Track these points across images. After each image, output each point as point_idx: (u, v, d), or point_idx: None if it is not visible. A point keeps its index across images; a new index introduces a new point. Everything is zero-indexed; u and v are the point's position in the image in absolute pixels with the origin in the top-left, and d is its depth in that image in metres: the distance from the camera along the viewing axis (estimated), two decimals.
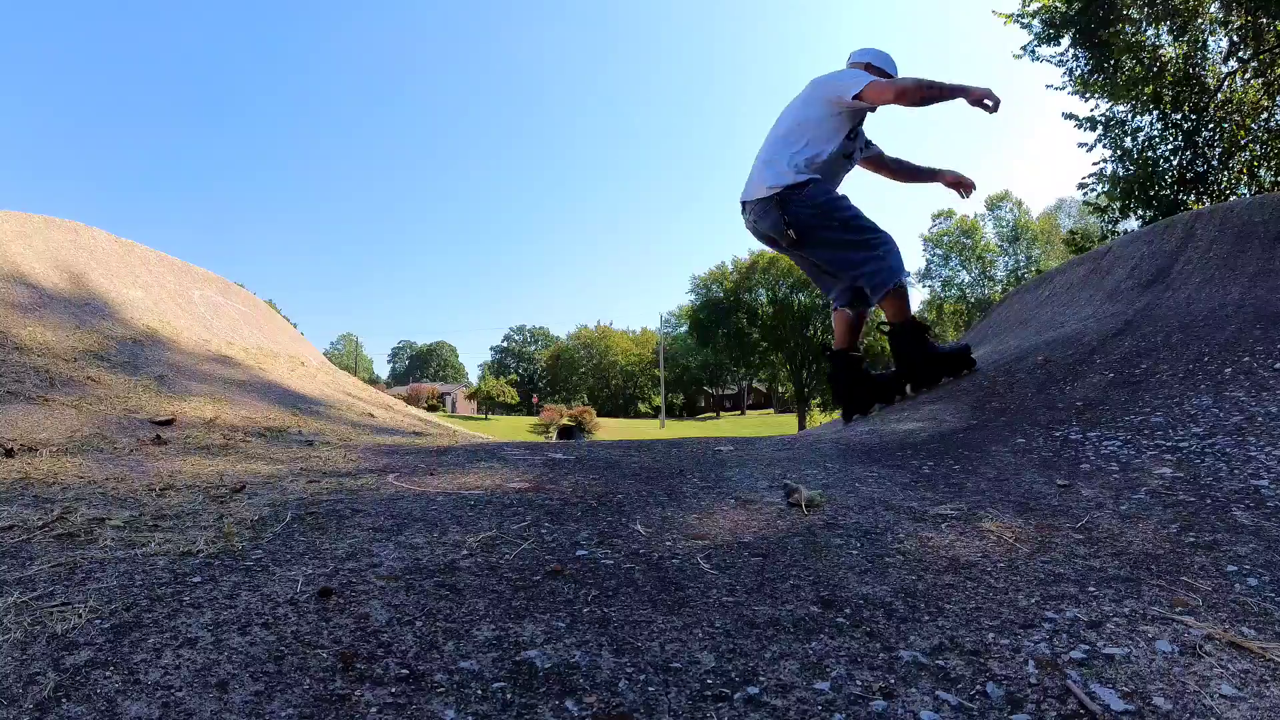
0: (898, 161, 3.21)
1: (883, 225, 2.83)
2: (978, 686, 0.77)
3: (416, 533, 1.17)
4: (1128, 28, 8.34)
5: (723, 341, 37.50)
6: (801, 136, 2.81)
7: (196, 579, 0.92)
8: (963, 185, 3.16)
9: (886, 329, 2.98)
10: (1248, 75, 8.41)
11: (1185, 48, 8.50)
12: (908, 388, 3.05)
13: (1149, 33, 8.54)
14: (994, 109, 2.72)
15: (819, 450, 2.08)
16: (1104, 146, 9.33)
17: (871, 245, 2.77)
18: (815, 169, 2.78)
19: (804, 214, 2.76)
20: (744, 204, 2.92)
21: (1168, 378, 2.34)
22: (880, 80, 2.73)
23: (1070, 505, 1.48)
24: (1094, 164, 9.55)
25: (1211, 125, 8.54)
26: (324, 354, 5.12)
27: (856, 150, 2.97)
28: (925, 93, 2.69)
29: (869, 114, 2.95)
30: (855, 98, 2.70)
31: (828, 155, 2.80)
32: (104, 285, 3.28)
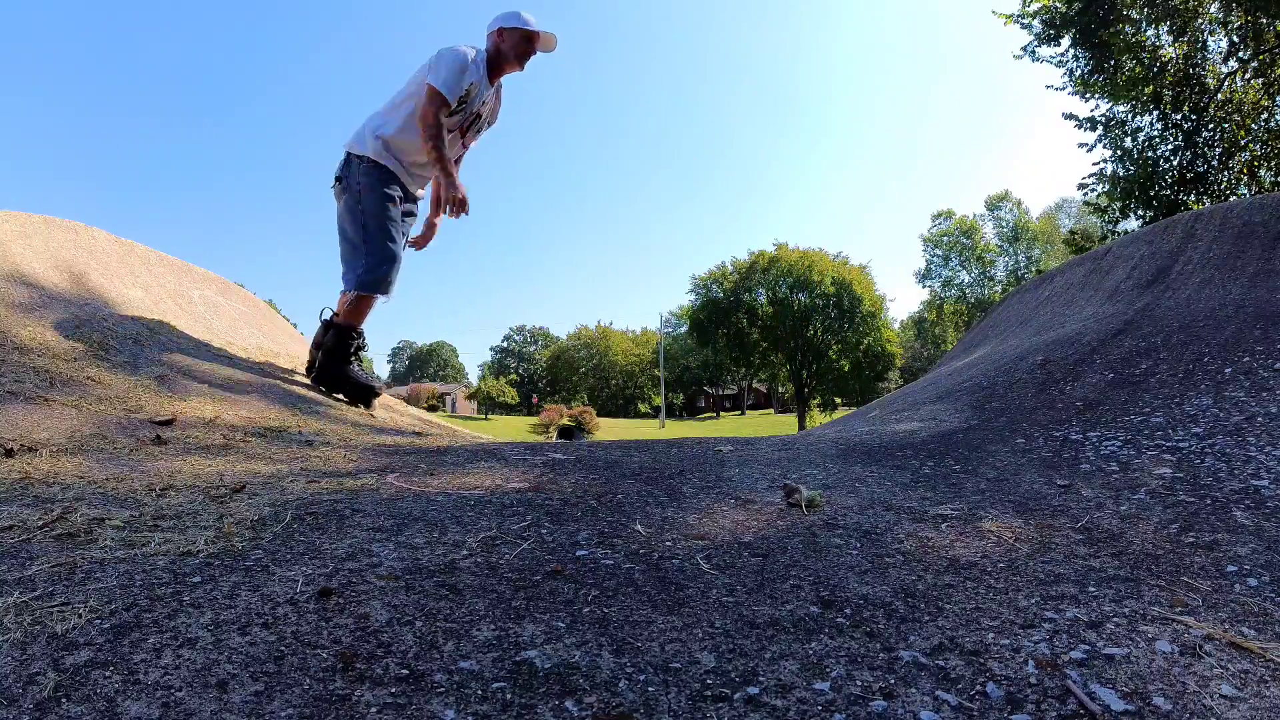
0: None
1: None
2: (978, 686, 0.77)
3: (416, 533, 1.17)
4: (1128, 28, 8.35)
5: (723, 341, 37.50)
6: (401, 106, 2.85)
7: (196, 579, 0.92)
8: (424, 233, 3.19)
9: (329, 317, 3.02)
10: (1248, 75, 8.42)
11: (1185, 48, 8.51)
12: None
13: (1149, 33, 8.55)
14: (452, 214, 2.78)
15: (819, 450, 2.08)
16: (1104, 146, 9.34)
17: (366, 249, 2.81)
18: (394, 143, 2.83)
19: (349, 183, 2.85)
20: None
21: (1168, 378, 2.34)
22: (434, 93, 2.70)
23: (1070, 505, 1.48)
24: (1094, 164, 9.57)
25: (1211, 125, 8.55)
26: None
27: (466, 122, 2.93)
28: (425, 140, 2.72)
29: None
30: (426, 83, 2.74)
31: (413, 127, 2.81)
32: (104, 285, 3.28)
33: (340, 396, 2.99)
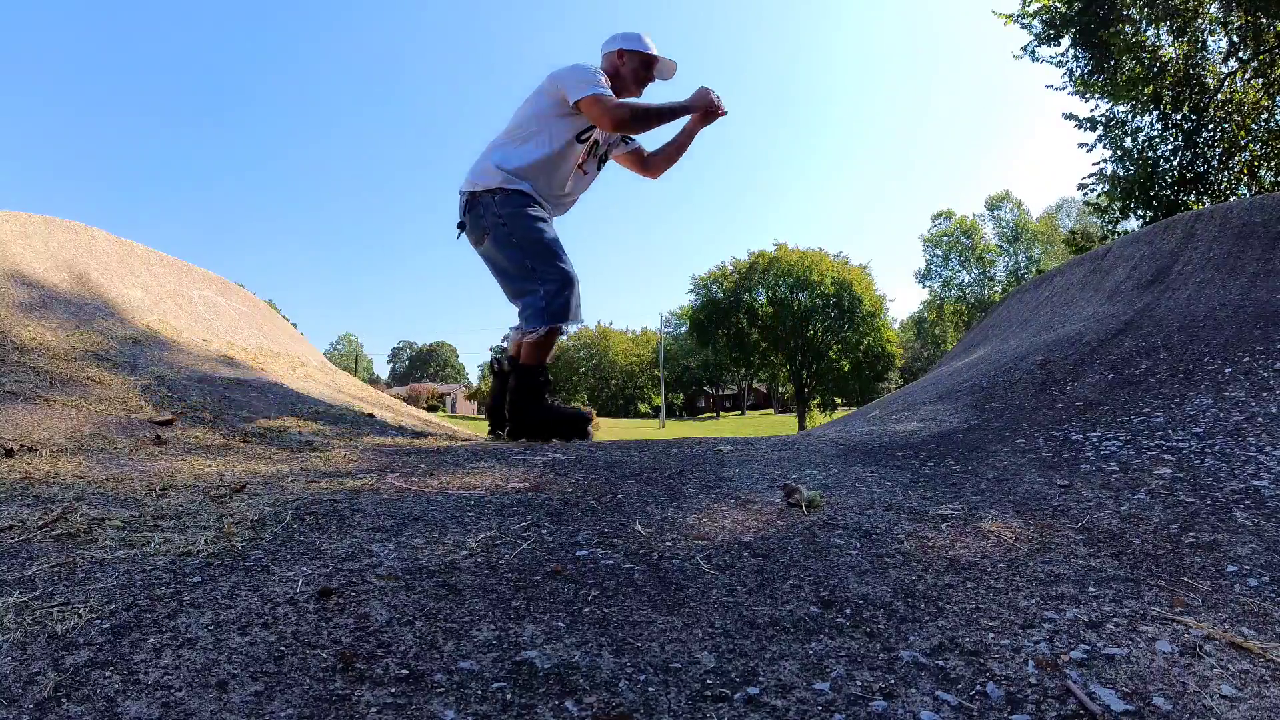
0: (659, 151, 2.96)
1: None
2: (978, 687, 0.77)
3: (416, 533, 1.17)
4: (1128, 28, 8.35)
5: (723, 341, 37.49)
6: (523, 132, 2.63)
7: (196, 579, 0.92)
8: (713, 111, 2.76)
9: (510, 362, 2.74)
10: (1248, 75, 8.42)
11: (1185, 48, 8.51)
12: (506, 431, 2.75)
13: (1149, 33, 8.55)
14: (720, 109, 2.62)
15: (819, 450, 2.08)
16: (1104, 147, 9.35)
17: (540, 279, 2.55)
18: (523, 173, 2.61)
19: (487, 221, 2.60)
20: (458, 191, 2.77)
21: (1168, 378, 2.34)
22: (601, 97, 2.50)
23: (1070, 505, 1.48)
24: (1094, 164, 9.58)
25: (1211, 125, 8.55)
26: (324, 354, 5.12)
27: (598, 146, 2.76)
28: (641, 122, 2.54)
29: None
30: (575, 104, 2.54)
31: (544, 157, 2.61)
32: (104, 285, 3.28)
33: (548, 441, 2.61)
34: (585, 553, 1.12)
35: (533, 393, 2.66)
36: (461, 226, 2.71)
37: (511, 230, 2.58)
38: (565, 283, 2.57)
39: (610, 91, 2.54)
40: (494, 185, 2.60)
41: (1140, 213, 9.06)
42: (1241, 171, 8.56)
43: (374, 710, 0.66)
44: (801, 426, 32.18)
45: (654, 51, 2.73)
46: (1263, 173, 8.50)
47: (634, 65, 2.71)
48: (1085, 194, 9.67)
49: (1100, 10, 8.15)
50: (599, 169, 2.87)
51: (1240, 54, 8.28)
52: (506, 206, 2.58)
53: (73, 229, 3.52)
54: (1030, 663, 0.82)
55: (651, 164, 2.96)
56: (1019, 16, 8.78)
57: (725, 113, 2.73)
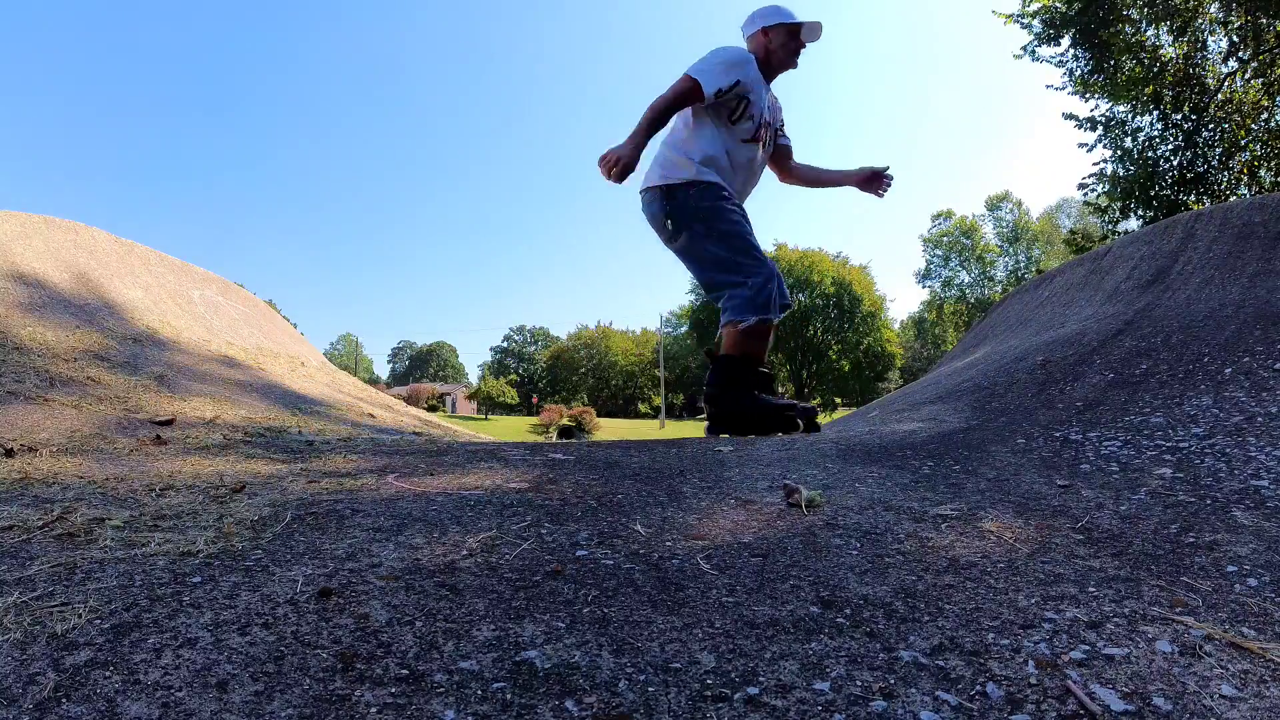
0: (803, 168, 2.96)
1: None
2: (978, 687, 0.77)
3: (416, 533, 1.17)
4: (1128, 28, 8.36)
5: None
6: (702, 122, 2.59)
7: (196, 579, 0.92)
8: (878, 181, 2.84)
9: (714, 352, 2.67)
10: (1248, 75, 8.42)
11: (1185, 48, 8.52)
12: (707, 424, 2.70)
13: (1149, 33, 8.56)
14: (604, 170, 2.42)
15: (819, 450, 2.08)
16: (1104, 147, 9.35)
17: (742, 271, 2.53)
18: (711, 164, 2.56)
19: (684, 215, 2.55)
20: (641, 190, 2.69)
21: (1168, 378, 2.34)
22: (685, 78, 2.49)
23: (1070, 505, 1.48)
24: (1094, 164, 9.58)
25: (1211, 125, 8.55)
26: (324, 354, 5.12)
27: (762, 132, 2.69)
28: (647, 111, 2.47)
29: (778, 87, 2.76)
30: None
31: (724, 145, 2.58)
32: (104, 285, 3.28)
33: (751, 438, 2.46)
34: (585, 553, 1.12)
35: (735, 384, 2.59)
36: (666, 220, 2.61)
37: (712, 224, 2.54)
38: (770, 275, 2.55)
39: (707, 79, 2.49)
40: (688, 178, 2.55)
41: (1140, 213, 9.06)
42: (1241, 171, 8.56)
43: (374, 710, 0.66)
44: None
45: (797, 19, 2.67)
46: (1263, 173, 8.50)
47: (782, 39, 2.66)
48: (1085, 194, 9.68)
49: (1100, 10, 8.16)
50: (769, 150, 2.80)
51: (1240, 54, 8.29)
52: (705, 199, 2.54)
53: (73, 229, 3.52)
54: (1030, 663, 0.82)
55: (789, 169, 2.96)
56: (1019, 16, 8.78)
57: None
